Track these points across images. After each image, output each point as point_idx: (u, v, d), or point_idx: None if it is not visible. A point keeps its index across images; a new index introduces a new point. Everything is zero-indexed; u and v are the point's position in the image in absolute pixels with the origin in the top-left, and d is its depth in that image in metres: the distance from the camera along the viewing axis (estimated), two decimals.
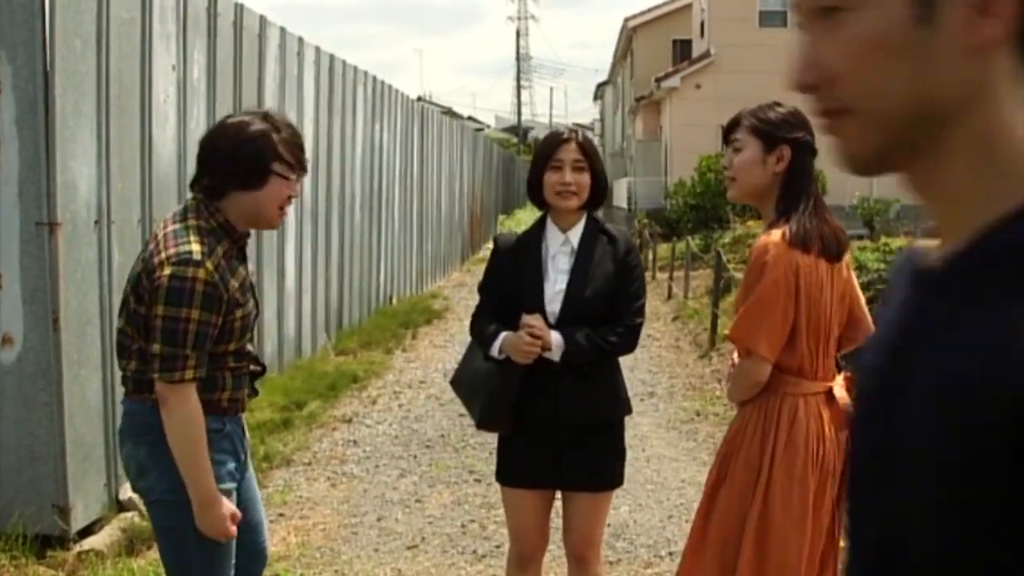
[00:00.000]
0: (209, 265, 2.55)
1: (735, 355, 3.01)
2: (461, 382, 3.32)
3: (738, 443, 2.79)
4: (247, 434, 2.95)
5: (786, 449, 2.71)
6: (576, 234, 3.16)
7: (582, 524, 3.21)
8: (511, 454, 3.21)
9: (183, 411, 2.56)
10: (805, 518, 2.72)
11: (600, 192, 3.16)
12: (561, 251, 3.15)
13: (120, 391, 5.01)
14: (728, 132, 2.88)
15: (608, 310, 3.10)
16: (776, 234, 2.72)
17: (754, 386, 2.76)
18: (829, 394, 2.81)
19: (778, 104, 2.85)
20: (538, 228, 3.23)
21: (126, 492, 5.13)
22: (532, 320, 3.04)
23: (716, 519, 2.79)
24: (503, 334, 3.10)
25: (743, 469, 2.75)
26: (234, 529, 2.66)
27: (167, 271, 2.52)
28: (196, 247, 2.55)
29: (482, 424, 3.23)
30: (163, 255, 2.55)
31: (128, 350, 2.69)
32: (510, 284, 3.17)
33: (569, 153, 3.10)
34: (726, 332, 2.83)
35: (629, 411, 3.25)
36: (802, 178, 2.80)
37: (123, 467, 2.79)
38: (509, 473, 3.22)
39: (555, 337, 3.04)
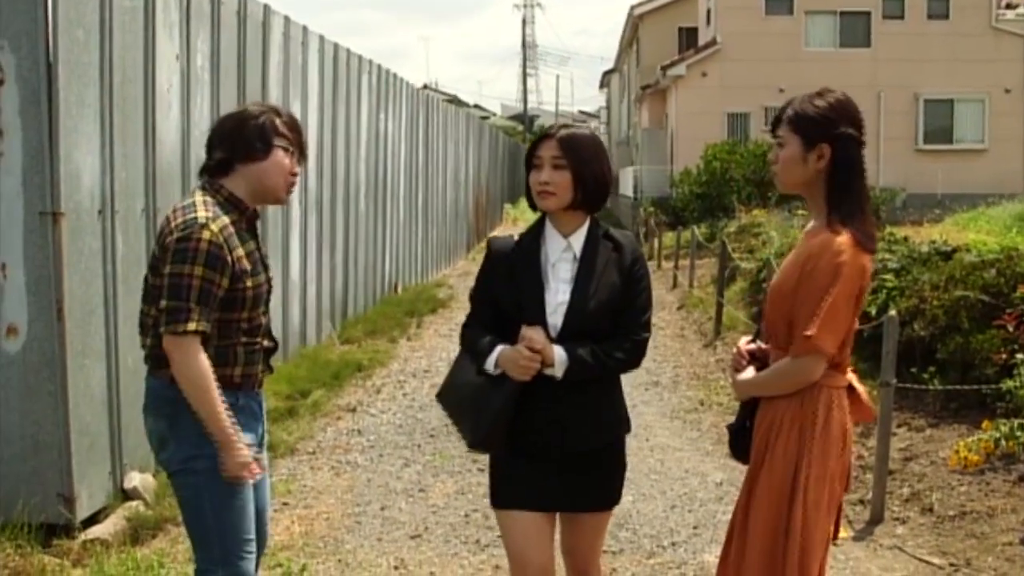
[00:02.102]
0: (213, 227, 2.73)
1: (740, 343, 3.00)
2: (450, 397, 3.06)
3: (774, 435, 2.77)
4: (265, 414, 3.07)
5: (822, 440, 2.73)
6: (579, 240, 2.92)
7: (584, 543, 3.07)
8: (507, 475, 2.98)
9: (188, 360, 2.71)
10: (830, 507, 2.77)
11: (588, 193, 2.88)
12: (563, 258, 2.91)
13: (124, 380, 5.12)
14: (774, 127, 2.86)
15: (613, 323, 2.88)
16: (846, 234, 2.70)
17: (807, 383, 2.74)
18: (850, 386, 2.83)
19: (821, 94, 2.80)
20: (536, 232, 2.97)
21: (131, 481, 5.16)
22: (533, 334, 2.82)
23: (758, 512, 2.78)
24: (499, 347, 2.86)
25: (781, 460, 2.74)
26: (256, 469, 2.83)
27: (175, 236, 2.73)
28: (201, 212, 2.75)
29: (475, 445, 2.97)
30: (172, 226, 2.76)
31: (146, 327, 2.87)
32: (507, 293, 2.92)
33: (548, 150, 2.86)
34: (808, 333, 2.66)
35: (629, 428, 3.05)
36: (848, 172, 2.76)
37: (148, 441, 2.97)
38: (507, 495, 2.97)
39: (558, 352, 2.82)
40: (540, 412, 2.87)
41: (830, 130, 2.74)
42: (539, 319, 2.86)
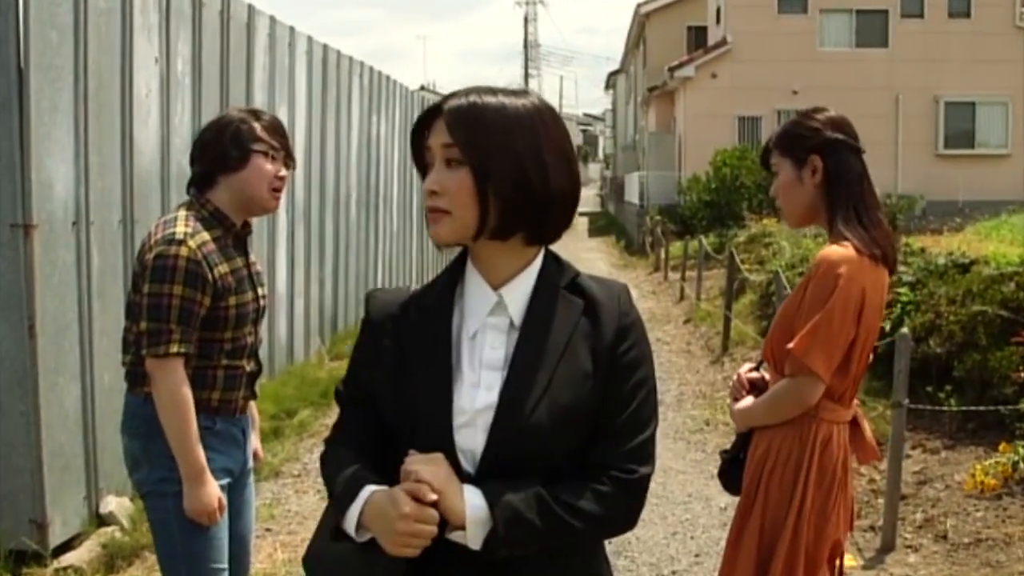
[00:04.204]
0: (191, 243, 2.67)
1: (741, 371, 2.91)
2: (320, 566, 1.69)
3: (769, 467, 2.68)
4: (251, 440, 3.03)
5: (818, 476, 2.65)
6: (519, 293, 1.62)
7: None
8: None
9: (169, 385, 2.66)
10: (833, 546, 2.70)
11: (509, 210, 1.56)
12: (490, 326, 1.61)
13: (100, 399, 4.96)
14: (764, 160, 2.82)
15: (579, 448, 1.59)
16: (849, 246, 2.60)
17: (800, 407, 2.62)
18: (852, 421, 2.75)
19: (808, 114, 2.76)
20: (449, 279, 1.67)
21: (107, 506, 5.06)
22: (423, 469, 1.52)
23: (745, 548, 2.69)
24: (366, 490, 1.56)
25: (776, 494, 2.66)
26: (218, 515, 2.75)
27: (153, 253, 2.68)
28: (180, 228, 2.70)
29: None
30: (152, 242, 2.72)
31: (127, 344, 2.84)
32: (389, 392, 1.63)
33: (437, 136, 1.58)
34: (790, 346, 2.57)
35: None
36: (844, 179, 2.67)
37: (123, 460, 2.95)
38: None
39: (471, 502, 1.52)
40: None
41: (816, 139, 2.68)
42: (441, 439, 1.56)
